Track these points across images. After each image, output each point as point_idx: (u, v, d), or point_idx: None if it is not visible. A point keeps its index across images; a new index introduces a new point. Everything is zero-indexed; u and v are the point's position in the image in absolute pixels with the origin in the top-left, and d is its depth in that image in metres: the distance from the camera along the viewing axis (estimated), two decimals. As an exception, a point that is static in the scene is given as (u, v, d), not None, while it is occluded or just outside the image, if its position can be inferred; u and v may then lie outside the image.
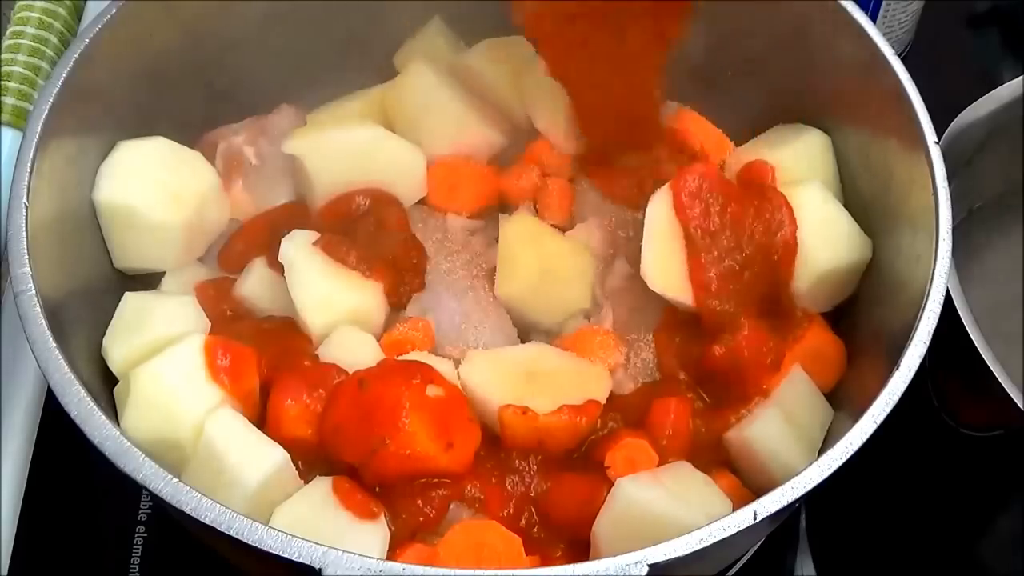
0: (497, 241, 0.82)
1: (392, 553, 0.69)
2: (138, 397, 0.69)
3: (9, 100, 1.01)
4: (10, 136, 0.99)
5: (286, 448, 0.70)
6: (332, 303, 0.76)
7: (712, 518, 0.60)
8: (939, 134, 0.76)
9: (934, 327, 0.68)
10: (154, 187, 0.79)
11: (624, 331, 0.81)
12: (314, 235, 0.78)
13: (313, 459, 0.70)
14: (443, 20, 0.96)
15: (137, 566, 0.84)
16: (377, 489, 0.70)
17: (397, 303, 0.78)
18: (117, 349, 0.75)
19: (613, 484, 0.70)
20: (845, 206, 0.83)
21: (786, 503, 0.61)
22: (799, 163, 0.85)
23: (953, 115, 0.85)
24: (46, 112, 0.74)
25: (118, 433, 0.62)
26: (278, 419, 0.71)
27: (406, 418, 0.68)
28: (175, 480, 0.60)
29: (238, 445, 0.68)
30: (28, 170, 0.72)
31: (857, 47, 0.81)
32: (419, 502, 0.70)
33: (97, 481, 0.83)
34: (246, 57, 0.89)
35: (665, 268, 0.76)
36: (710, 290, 0.75)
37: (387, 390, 0.69)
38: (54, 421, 0.90)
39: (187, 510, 0.59)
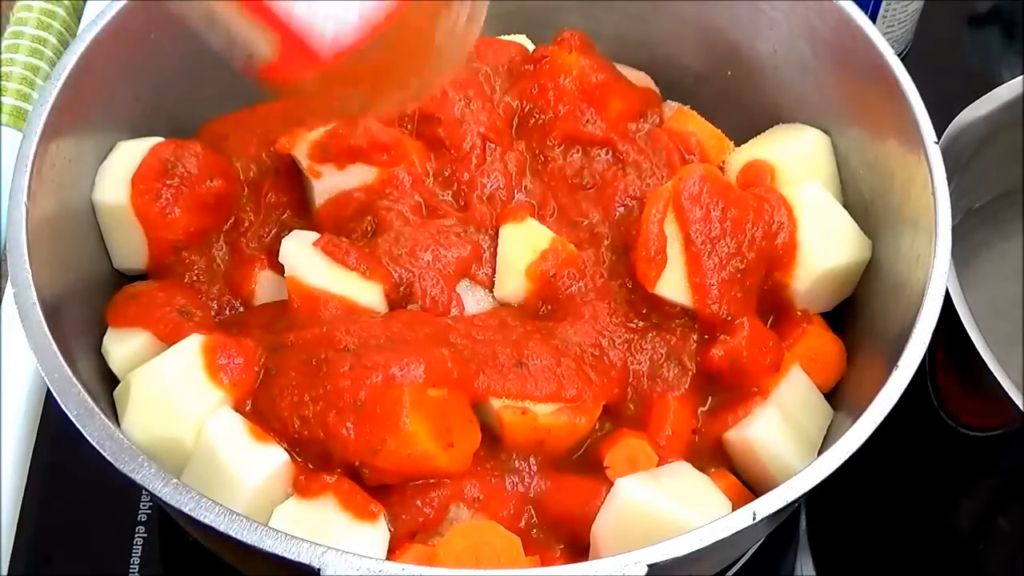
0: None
1: (392, 554, 0.69)
2: (138, 398, 0.69)
3: (8, 100, 1.01)
4: (10, 136, 0.99)
5: (286, 447, 0.70)
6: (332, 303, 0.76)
7: (711, 518, 0.60)
8: (938, 134, 0.76)
9: (933, 327, 0.68)
10: (154, 187, 0.79)
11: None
12: (314, 235, 0.78)
13: (313, 459, 0.70)
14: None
15: (137, 566, 0.84)
16: (377, 489, 0.70)
17: (397, 303, 0.78)
18: (117, 349, 0.75)
19: (612, 484, 0.70)
20: (845, 206, 0.83)
21: (785, 503, 0.61)
22: (799, 163, 0.85)
23: (953, 115, 0.85)
24: (46, 112, 0.74)
25: (118, 433, 0.62)
26: (275, 417, 0.71)
27: (407, 418, 0.68)
28: (174, 480, 0.60)
29: (238, 445, 0.68)
30: (28, 170, 0.72)
31: (857, 47, 0.81)
32: (419, 503, 0.70)
33: (97, 481, 0.83)
34: (246, 57, 0.89)
35: (664, 270, 0.76)
36: (711, 295, 0.75)
37: (387, 389, 0.69)
38: (54, 421, 0.90)
39: (186, 510, 0.59)
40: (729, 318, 0.76)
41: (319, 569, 0.57)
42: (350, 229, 0.80)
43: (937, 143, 0.75)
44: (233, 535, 0.58)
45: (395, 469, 0.69)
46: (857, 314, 0.82)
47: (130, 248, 0.81)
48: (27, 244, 0.69)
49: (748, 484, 0.75)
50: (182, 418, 0.69)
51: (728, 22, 0.90)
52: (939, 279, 0.70)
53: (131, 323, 0.76)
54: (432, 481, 0.70)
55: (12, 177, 0.72)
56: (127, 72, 0.82)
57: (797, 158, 0.85)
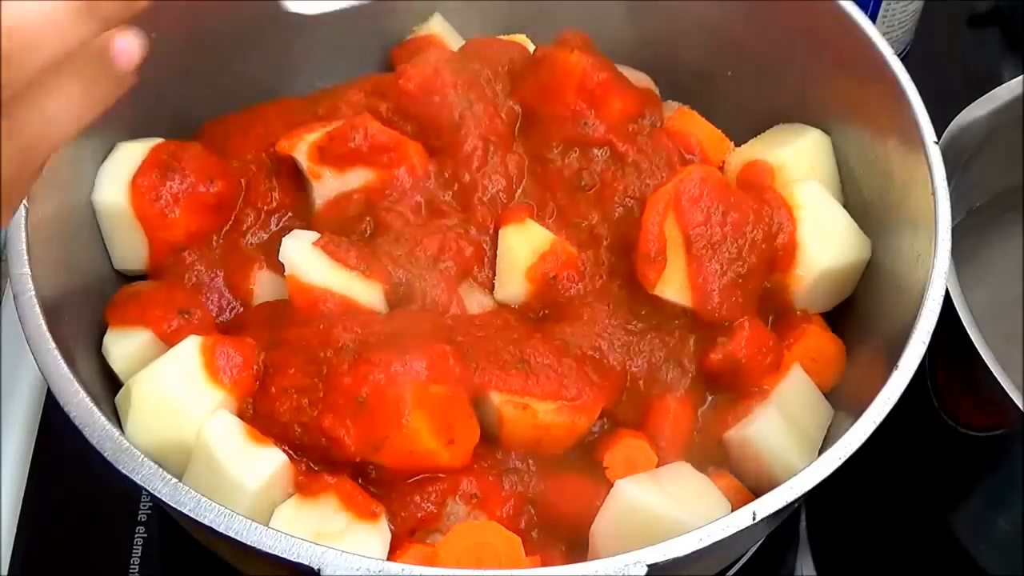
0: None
1: (392, 553, 0.69)
2: (139, 404, 0.69)
3: (9, 100, 1.01)
4: (10, 136, 0.99)
5: (286, 447, 0.70)
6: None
7: (711, 518, 0.60)
8: (939, 134, 0.76)
9: (933, 327, 0.68)
10: (154, 188, 0.79)
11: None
12: (314, 235, 0.78)
13: (315, 458, 0.70)
14: (443, 16, 0.96)
15: (137, 566, 0.84)
16: (376, 488, 0.70)
17: (397, 303, 0.78)
18: (117, 349, 0.75)
19: (612, 484, 0.70)
20: (845, 206, 0.83)
21: (785, 503, 0.61)
22: (799, 163, 0.85)
23: (953, 115, 0.85)
24: (46, 112, 0.74)
25: (117, 434, 0.62)
26: (276, 417, 0.71)
27: (408, 415, 0.68)
28: (174, 481, 0.60)
29: (235, 449, 0.68)
30: (28, 170, 0.72)
31: (857, 47, 0.81)
32: (417, 498, 0.70)
33: (97, 481, 0.83)
34: (246, 56, 0.89)
35: (664, 271, 0.76)
36: (711, 297, 0.75)
37: (389, 386, 0.69)
38: (54, 421, 0.90)
39: (186, 511, 0.59)
40: (728, 315, 0.76)
41: (319, 569, 0.57)
42: (350, 230, 0.80)
43: (937, 143, 0.75)
44: (232, 535, 0.58)
45: (396, 466, 0.69)
46: (857, 314, 0.82)
47: (130, 248, 0.81)
48: (27, 244, 0.69)
49: (748, 484, 0.75)
50: (185, 421, 0.69)
51: (728, 22, 0.90)
52: (939, 279, 0.70)
53: (131, 323, 0.76)
54: (428, 477, 0.70)
55: (12, 177, 0.72)
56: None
57: (797, 158, 0.85)
